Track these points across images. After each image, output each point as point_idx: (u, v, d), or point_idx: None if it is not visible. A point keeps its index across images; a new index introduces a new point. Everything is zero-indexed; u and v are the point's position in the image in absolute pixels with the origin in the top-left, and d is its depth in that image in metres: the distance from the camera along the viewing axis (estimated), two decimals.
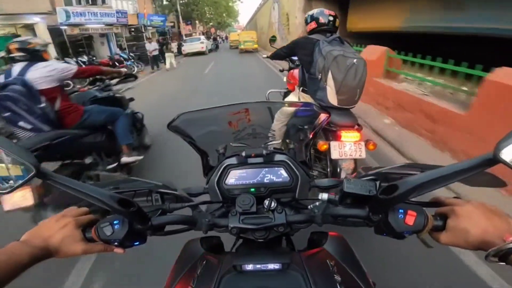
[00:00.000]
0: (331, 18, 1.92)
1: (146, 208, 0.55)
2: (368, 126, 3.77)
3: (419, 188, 0.42)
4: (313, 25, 1.96)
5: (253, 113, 0.81)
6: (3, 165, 0.43)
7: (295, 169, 0.68)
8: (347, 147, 1.67)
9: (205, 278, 0.53)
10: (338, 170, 1.71)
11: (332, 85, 1.71)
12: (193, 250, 0.64)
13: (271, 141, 0.80)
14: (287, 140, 0.76)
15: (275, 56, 2.35)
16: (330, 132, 1.75)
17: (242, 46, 19.20)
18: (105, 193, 0.46)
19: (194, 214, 0.61)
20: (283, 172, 0.68)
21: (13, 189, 0.44)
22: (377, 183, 0.52)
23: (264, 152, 0.67)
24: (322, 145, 1.70)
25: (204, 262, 0.58)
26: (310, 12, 2.02)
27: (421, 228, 0.46)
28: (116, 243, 0.51)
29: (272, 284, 0.51)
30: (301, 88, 2.18)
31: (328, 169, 1.80)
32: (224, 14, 44.40)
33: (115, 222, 0.50)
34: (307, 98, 2.07)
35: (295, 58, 2.72)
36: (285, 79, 3.06)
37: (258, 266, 0.53)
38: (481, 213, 0.44)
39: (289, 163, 0.68)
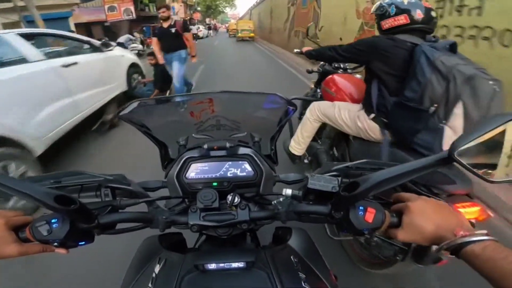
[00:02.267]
0: (432, 14, 1.26)
1: (93, 205, 0.51)
2: None
3: (379, 186, 0.42)
4: (402, 19, 1.26)
5: (217, 104, 0.77)
6: None
7: (259, 163, 0.65)
8: None
9: (164, 278, 0.51)
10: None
11: (459, 126, 1.04)
12: (151, 248, 0.62)
13: (236, 133, 0.75)
14: (252, 133, 0.72)
15: (318, 55, 1.69)
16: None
17: (239, 34, 19.78)
18: (39, 189, 0.41)
19: (150, 211, 0.58)
20: (247, 166, 0.65)
21: None
22: (339, 179, 0.51)
23: (228, 144, 0.63)
24: None
25: (164, 261, 0.55)
26: (393, 0, 1.29)
27: (379, 225, 0.46)
28: (56, 244, 0.45)
29: (236, 284, 0.50)
30: (371, 113, 1.39)
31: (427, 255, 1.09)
32: None
33: (52, 220, 0.44)
34: (376, 133, 1.35)
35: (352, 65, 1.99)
36: (312, 85, 2.28)
37: (222, 265, 0.51)
38: (433, 208, 0.45)
39: (254, 157, 0.65)
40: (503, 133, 0.36)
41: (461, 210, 0.90)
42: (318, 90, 2.07)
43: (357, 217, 0.46)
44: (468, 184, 0.97)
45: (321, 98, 1.94)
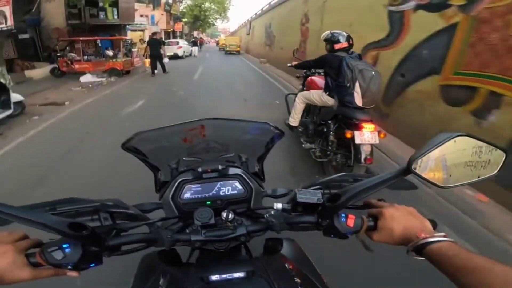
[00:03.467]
0: (350, 40, 2.67)
1: (99, 229, 0.52)
2: None
3: (356, 196, 0.50)
4: (345, 44, 2.63)
5: (208, 129, 0.82)
6: None
7: (248, 181, 0.71)
8: (365, 135, 2.25)
9: None
10: (361, 152, 2.26)
11: (358, 91, 2.38)
12: (151, 265, 0.64)
13: (223, 154, 0.81)
14: (239, 154, 0.86)
15: (301, 66, 3.26)
16: (353, 125, 2.31)
17: (227, 49, 23.47)
18: (53, 219, 0.43)
19: (152, 231, 0.60)
20: (237, 185, 0.71)
21: None
22: (322, 191, 0.59)
23: (220, 167, 0.68)
24: (348, 133, 2.27)
25: (167, 276, 0.57)
26: (332, 34, 2.69)
27: (359, 228, 0.54)
28: (69, 267, 0.46)
29: None
30: (327, 92, 2.76)
31: (352, 152, 2.34)
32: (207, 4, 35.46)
33: (64, 245, 0.46)
34: (330, 101, 2.70)
35: (319, 70, 3.33)
36: (300, 85, 3.88)
37: (224, 276, 0.54)
38: (402, 214, 0.53)
39: (243, 176, 0.71)
40: (450, 147, 0.44)
41: (365, 125, 2.26)
42: (302, 87, 3.57)
43: (340, 223, 0.54)
44: (370, 116, 2.37)
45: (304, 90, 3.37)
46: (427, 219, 0.53)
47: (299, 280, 0.56)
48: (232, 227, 0.59)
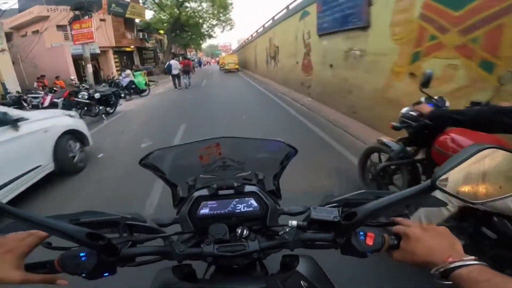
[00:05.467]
0: None
1: (115, 240, 0.54)
2: None
3: (373, 214, 0.50)
4: None
5: (224, 147, 0.82)
6: None
7: (264, 199, 0.71)
8: None
9: None
10: None
11: None
12: (166, 280, 0.64)
13: (240, 172, 0.81)
14: (255, 172, 0.78)
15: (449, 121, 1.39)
16: None
17: (226, 67, 23.21)
18: (72, 228, 0.47)
19: (167, 245, 0.62)
20: (253, 202, 0.71)
21: None
22: (339, 209, 0.58)
23: (235, 184, 0.70)
24: None
25: None
26: None
27: (379, 247, 0.53)
28: (83, 275, 0.50)
29: None
30: None
31: None
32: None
33: (81, 254, 0.50)
34: None
35: None
36: (387, 140, 2.18)
37: None
38: (429, 236, 0.50)
39: (259, 193, 0.72)
40: (479, 160, 0.44)
41: None
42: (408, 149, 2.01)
43: (359, 241, 0.53)
44: None
45: (414, 163, 1.95)
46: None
47: None
48: (245, 243, 0.60)
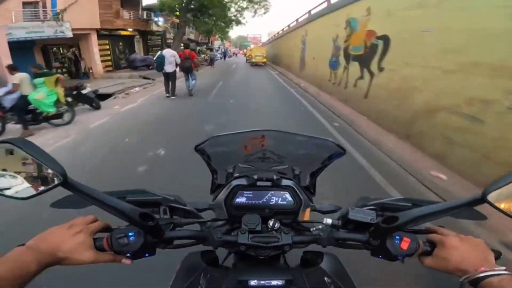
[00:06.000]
0: None
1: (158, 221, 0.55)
2: None
3: (417, 220, 0.51)
4: None
5: (268, 140, 0.82)
6: (29, 171, 0.44)
7: (299, 194, 0.71)
8: None
9: None
10: None
11: None
12: (194, 263, 0.66)
13: (277, 165, 0.82)
14: (292, 167, 0.79)
15: None
16: None
17: (253, 60, 21.93)
18: (127, 206, 0.49)
19: (203, 230, 0.63)
20: (288, 196, 0.71)
21: (33, 196, 0.45)
22: (375, 212, 0.60)
23: (275, 177, 0.70)
24: None
25: (207, 276, 0.60)
26: None
27: (413, 252, 0.53)
28: (129, 255, 0.52)
29: None
30: None
31: None
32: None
33: (130, 233, 0.51)
34: None
35: None
36: None
37: (262, 282, 0.55)
38: (465, 246, 0.51)
39: (295, 188, 0.72)
40: None
41: None
42: None
43: (394, 245, 0.53)
44: None
45: None
46: (491, 250, 0.52)
47: None
48: (278, 236, 0.60)
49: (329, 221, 0.61)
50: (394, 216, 0.52)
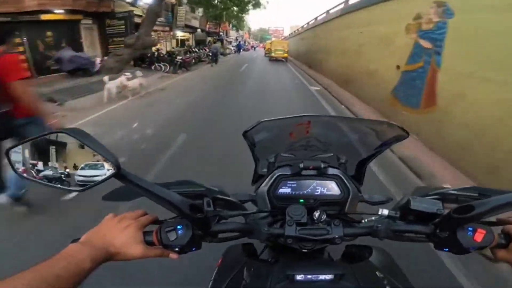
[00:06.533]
0: None
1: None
2: None
3: (494, 210, 0.47)
4: None
5: (314, 125, 0.76)
6: (84, 161, 0.45)
7: (347, 184, 0.68)
8: None
9: (255, 286, 0.55)
10: None
11: None
12: (235, 256, 0.66)
13: (320, 153, 0.77)
14: (338, 155, 0.75)
15: None
16: None
17: (272, 54, 19.68)
18: (178, 198, 0.48)
19: (249, 222, 0.62)
20: (334, 186, 0.68)
21: (89, 187, 0.44)
22: (441, 202, 0.56)
23: (322, 165, 0.67)
24: None
25: (251, 270, 0.59)
26: None
27: (487, 244, 0.50)
28: (177, 249, 0.50)
29: None
30: None
31: None
32: None
33: (178, 227, 0.50)
34: None
35: None
36: None
37: (309, 276, 0.53)
38: None
39: (342, 177, 0.69)
40: None
41: None
42: None
43: (466, 237, 0.50)
44: None
45: None
46: None
47: None
48: (328, 228, 0.56)
49: (385, 212, 0.58)
50: (468, 206, 0.48)
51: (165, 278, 1.51)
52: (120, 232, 0.48)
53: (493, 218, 0.54)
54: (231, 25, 24.36)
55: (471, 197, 0.59)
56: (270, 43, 24.12)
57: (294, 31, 28.16)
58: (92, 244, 0.45)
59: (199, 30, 21.14)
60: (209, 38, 24.22)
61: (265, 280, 0.54)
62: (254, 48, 44.81)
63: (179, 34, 18.23)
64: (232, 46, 28.51)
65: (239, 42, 32.68)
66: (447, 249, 0.53)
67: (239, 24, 26.04)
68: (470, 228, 0.50)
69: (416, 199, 0.56)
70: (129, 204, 0.67)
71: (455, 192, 0.62)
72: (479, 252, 0.53)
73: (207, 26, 23.25)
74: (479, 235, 0.49)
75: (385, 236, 0.57)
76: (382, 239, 0.57)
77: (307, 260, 0.62)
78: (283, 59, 19.39)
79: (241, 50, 28.75)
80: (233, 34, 40.33)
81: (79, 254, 0.42)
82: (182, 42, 19.43)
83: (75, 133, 0.42)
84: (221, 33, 27.67)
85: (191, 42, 21.04)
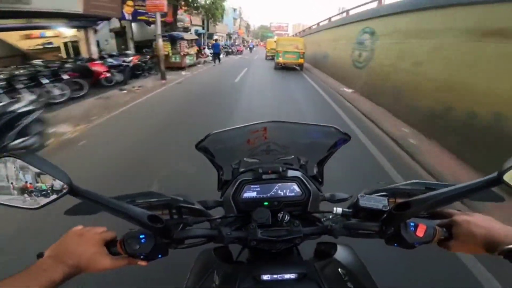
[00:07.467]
0: None
1: (168, 222, 0.55)
2: None
3: (433, 206, 0.50)
4: None
5: (270, 132, 0.82)
6: (37, 181, 0.44)
7: (307, 184, 0.72)
8: None
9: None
10: None
11: None
12: (207, 260, 0.67)
13: (282, 156, 0.83)
14: (298, 157, 0.81)
15: None
16: None
17: (280, 59, 12.62)
18: (135, 210, 0.50)
19: (214, 228, 0.63)
20: (295, 187, 0.72)
21: (43, 206, 0.45)
22: (387, 199, 0.58)
23: (280, 169, 0.70)
24: None
25: (221, 272, 0.61)
26: None
27: (430, 239, 0.52)
28: (142, 257, 0.52)
29: None
30: None
31: None
32: None
33: (141, 236, 0.52)
34: None
35: None
36: None
37: (275, 276, 0.56)
38: (479, 221, 0.50)
39: (302, 179, 0.72)
40: None
41: None
42: None
43: (408, 232, 0.52)
44: None
45: None
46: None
47: (352, 287, 0.56)
48: (288, 229, 0.60)
49: (339, 210, 0.61)
50: (407, 202, 0.50)
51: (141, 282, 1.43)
52: (86, 247, 0.49)
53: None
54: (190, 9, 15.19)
55: (418, 191, 0.60)
56: (275, 41, 15.70)
57: (307, 28, 21.31)
58: (62, 260, 0.46)
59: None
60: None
61: (233, 282, 0.56)
62: (250, 48, 32.70)
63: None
64: (209, 49, 17.21)
65: (216, 41, 17.81)
66: (396, 245, 0.55)
67: (210, 12, 16.94)
68: (412, 224, 0.52)
69: (364, 197, 0.58)
70: (96, 216, 0.64)
71: (403, 187, 0.65)
72: (439, 245, 0.54)
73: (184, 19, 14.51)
74: (421, 231, 0.51)
75: (340, 234, 0.59)
76: (337, 237, 0.60)
77: (275, 260, 0.65)
78: (296, 67, 12.87)
79: (222, 55, 16.82)
80: (220, 29, 29.35)
81: (51, 269, 0.44)
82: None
83: (22, 156, 0.42)
84: (182, 24, 16.25)
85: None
